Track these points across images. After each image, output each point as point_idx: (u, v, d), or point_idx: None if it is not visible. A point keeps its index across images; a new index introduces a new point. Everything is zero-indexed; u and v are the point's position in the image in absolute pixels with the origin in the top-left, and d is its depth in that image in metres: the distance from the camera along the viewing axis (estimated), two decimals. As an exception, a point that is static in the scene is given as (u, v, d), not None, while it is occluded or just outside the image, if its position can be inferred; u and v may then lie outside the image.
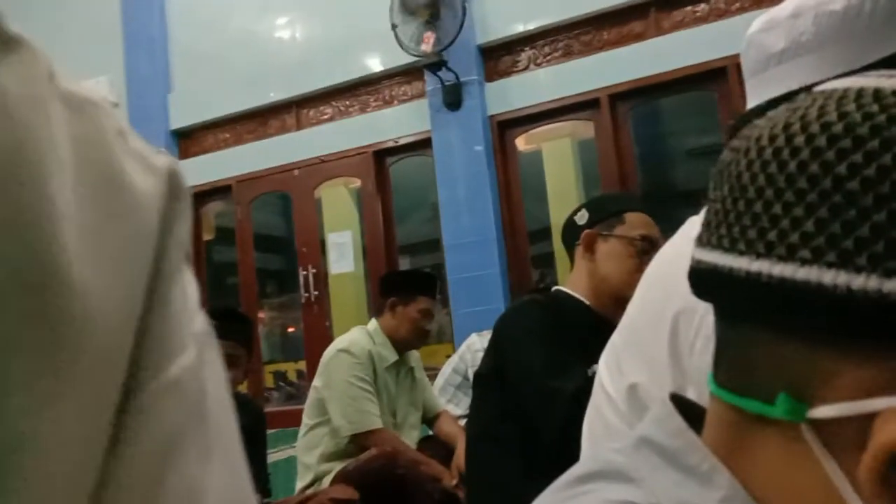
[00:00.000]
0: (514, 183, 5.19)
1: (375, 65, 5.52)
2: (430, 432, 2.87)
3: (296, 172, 5.82)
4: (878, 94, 0.36)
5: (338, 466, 2.47)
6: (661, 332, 0.90)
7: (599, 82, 4.79)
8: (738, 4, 4.48)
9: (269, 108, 5.93)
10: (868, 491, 0.33)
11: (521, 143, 5.30)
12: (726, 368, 0.41)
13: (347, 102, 5.70)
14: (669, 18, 4.69)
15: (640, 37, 4.74)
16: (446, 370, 3.42)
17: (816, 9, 0.78)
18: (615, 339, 1.06)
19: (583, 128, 5.13)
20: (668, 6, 4.68)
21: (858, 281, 0.33)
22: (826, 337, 0.35)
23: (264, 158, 5.89)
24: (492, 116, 5.13)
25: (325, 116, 5.80)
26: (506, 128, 5.20)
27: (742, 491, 0.38)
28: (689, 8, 4.63)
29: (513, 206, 5.16)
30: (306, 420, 2.65)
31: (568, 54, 4.97)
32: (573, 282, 1.72)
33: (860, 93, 0.36)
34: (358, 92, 5.64)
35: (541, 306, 1.64)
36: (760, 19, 0.86)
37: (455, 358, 3.45)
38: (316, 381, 2.64)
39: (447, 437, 2.72)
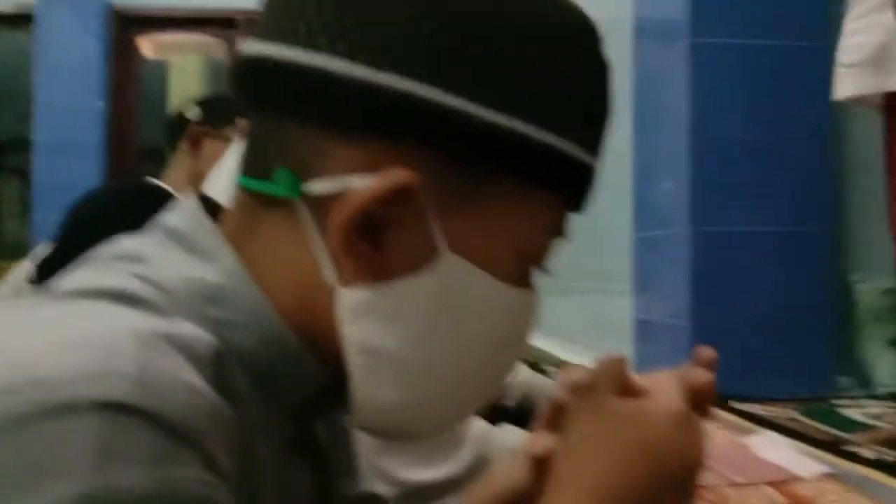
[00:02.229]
0: (130, 90, 4.65)
1: None
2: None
3: None
4: None
5: None
6: None
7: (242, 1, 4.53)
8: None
9: None
10: (339, 257, 0.38)
11: (149, 49, 4.76)
12: (248, 157, 0.42)
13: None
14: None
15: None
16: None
17: None
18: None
19: (217, 47, 4.81)
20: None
21: (348, 68, 0.36)
22: (324, 120, 0.38)
23: None
24: (115, 7, 4.51)
25: None
26: (130, 25, 4.62)
27: (240, 266, 0.40)
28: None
29: (124, 115, 4.61)
30: None
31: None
32: (169, 176, 1.59)
33: None
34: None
35: (120, 193, 1.51)
36: None
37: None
38: None
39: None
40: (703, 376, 0.45)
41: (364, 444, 1.00)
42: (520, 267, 0.42)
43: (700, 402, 0.45)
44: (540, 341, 2.35)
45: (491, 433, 1.11)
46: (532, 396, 1.47)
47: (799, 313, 1.99)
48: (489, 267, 0.40)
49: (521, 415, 1.41)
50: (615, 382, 0.44)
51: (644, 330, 2.26)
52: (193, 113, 1.68)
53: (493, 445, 1.06)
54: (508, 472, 0.55)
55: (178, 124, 1.68)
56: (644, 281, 2.32)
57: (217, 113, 1.63)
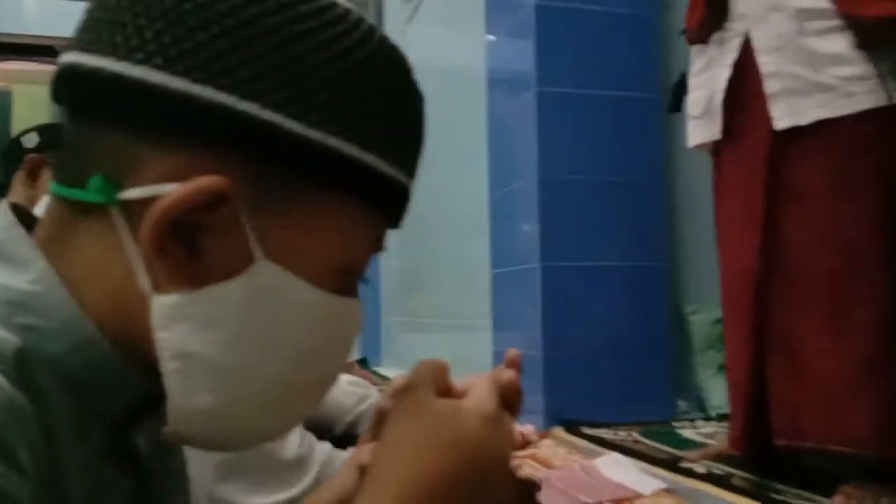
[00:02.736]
0: (-34, 120, 4.31)
1: None
2: None
3: None
4: None
5: None
6: None
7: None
8: None
9: None
10: (152, 263, 0.38)
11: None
12: (63, 166, 0.42)
13: None
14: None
15: None
16: None
17: None
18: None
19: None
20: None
21: (165, 79, 0.37)
22: (141, 129, 0.38)
23: None
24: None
25: None
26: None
27: (52, 274, 0.39)
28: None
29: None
30: None
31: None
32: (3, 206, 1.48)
33: None
34: None
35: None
36: None
37: None
38: None
39: None
40: (508, 374, 0.48)
41: (201, 470, 0.96)
42: (340, 276, 0.43)
43: (509, 399, 0.48)
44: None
45: (336, 456, 1.10)
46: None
47: (641, 343, 2.13)
48: (307, 275, 0.41)
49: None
50: (433, 384, 0.46)
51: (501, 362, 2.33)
52: (31, 141, 1.59)
53: (337, 468, 1.06)
54: (339, 481, 0.56)
55: (15, 153, 1.58)
56: (501, 315, 2.41)
57: (56, 140, 1.56)
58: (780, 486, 1.36)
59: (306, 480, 1.02)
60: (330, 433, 1.34)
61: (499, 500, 0.44)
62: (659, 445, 1.75)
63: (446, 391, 0.47)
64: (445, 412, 0.45)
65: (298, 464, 1.04)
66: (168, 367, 0.39)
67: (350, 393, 1.43)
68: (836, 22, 1.30)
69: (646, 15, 2.23)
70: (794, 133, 1.34)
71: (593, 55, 2.19)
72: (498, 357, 2.35)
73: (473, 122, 2.63)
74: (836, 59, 1.30)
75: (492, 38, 2.54)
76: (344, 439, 1.29)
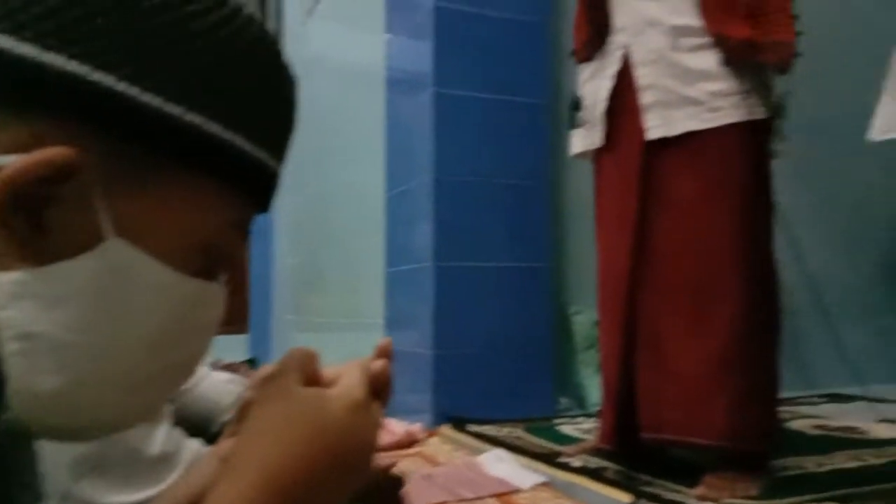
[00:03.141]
0: None
1: None
2: None
3: None
4: None
5: None
6: None
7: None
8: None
9: None
10: None
11: None
12: None
13: None
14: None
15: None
16: None
17: None
18: None
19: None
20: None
21: (13, 44, 0.36)
22: None
23: None
24: None
25: None
26: None
27: None
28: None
29: None
30: None
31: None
32: None
33: None
34: None
35: None
36: None
37: None
38: None
39: None
40: (379, 364, 0.48)
41: (55, 468, 0.91)
42: (199, 258, 0.42)
43: (379, 388, 0.48)
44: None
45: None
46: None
47: (526, 342, 2.19)
48: (161, 255, 0.40)
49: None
50: (301, 372, 0.46)
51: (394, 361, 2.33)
52: None
53: None
54: (199, 472, 0.54)
55: None
56: (394, 314, 2.41)
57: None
58: (648, 478, 1.43)
59: (172, 478, 0.98)
60: (205, 432, 1.31)
61: (362, 488, 0.45)
62: (540, 441, 1.81)
63: (315, 379, 0.47)
64: (310, 398, 0.44)
65: (164, 460, 1.00)
66: (10, 347, 0.37)
67: (227, 392, 1.40)
68: (706, 40, 1.39)
69: (537, 21, 2.30)
70: (666, 143, 1.42)
71: (489, 59, 2.24)
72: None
73: (373, 120, 2.62)
74: (705, 75, 1.39)
75: (391, 37, 2.54)
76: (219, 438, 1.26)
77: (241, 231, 0.45)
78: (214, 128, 0.40)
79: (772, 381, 1.42)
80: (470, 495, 1.44)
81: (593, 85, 1.58)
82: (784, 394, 2.47)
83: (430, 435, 1.96)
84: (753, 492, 1.32)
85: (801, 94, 2.77)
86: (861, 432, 1.92)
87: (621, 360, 1.47)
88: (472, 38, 2.22)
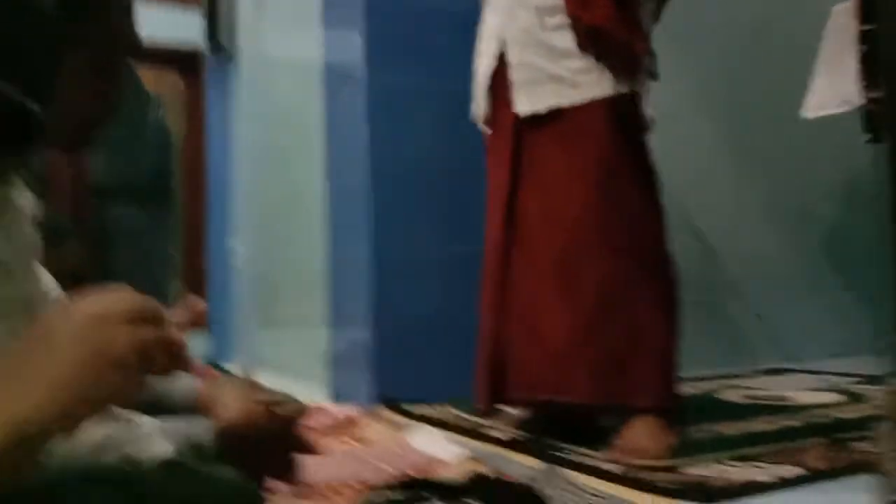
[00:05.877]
0: None
1: None
2: None
3: None
4: None
5: None
6: None
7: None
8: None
9: None
10: None
11: None
12: None
13: None
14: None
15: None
16: None
17: None
18: None
19: None
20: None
21: None
22: None
23: None
24: None
25: None
26: None
27: None
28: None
29: None
30: None
31: None
32: None
33: None
34: None
35: None
36: None
37: None
38: None
39: None
40: (150, 308, 0.46)
41: None
42: None
43: (154, 322, 0.45)
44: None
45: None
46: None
47: (462, 324, 2.21)
48: None
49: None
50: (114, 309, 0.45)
51: (339, 352, 2.36)
52: None
53: None
54: None
55: None
56: (338, 304, 2.43)
57: None
58: (562, 445, 1.46)
59: None
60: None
61: (112, 395, 0.44)
62: (467, 416, 1.84)
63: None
64: (57, 311, 0.45)
65: None
66: None
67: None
68: (568, 19, 1.44)
69: (468, 8, 2.32)
70: (537, 120, 1.48)
71: (423, 47, 2.26)
72: (335, 347, 2.38)
73: (312, 113, 2.64)
74: (567, 53, 1.45)
75: (325, 28, 2.56)
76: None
77: None
78: None
79: (657, 343, 1.45)
80: (390, 469, 1.47)
81: (479, 63, 1.64)
82: (725, 369, 2.52)
83: (367, 417, 1.98)
84: (662, 454, 1.36)
85: (741, 72, 2.81)
86: (789, 400, 1.97)
87: (495, 325, 1.55)
88: (405, 25, 2.25)
